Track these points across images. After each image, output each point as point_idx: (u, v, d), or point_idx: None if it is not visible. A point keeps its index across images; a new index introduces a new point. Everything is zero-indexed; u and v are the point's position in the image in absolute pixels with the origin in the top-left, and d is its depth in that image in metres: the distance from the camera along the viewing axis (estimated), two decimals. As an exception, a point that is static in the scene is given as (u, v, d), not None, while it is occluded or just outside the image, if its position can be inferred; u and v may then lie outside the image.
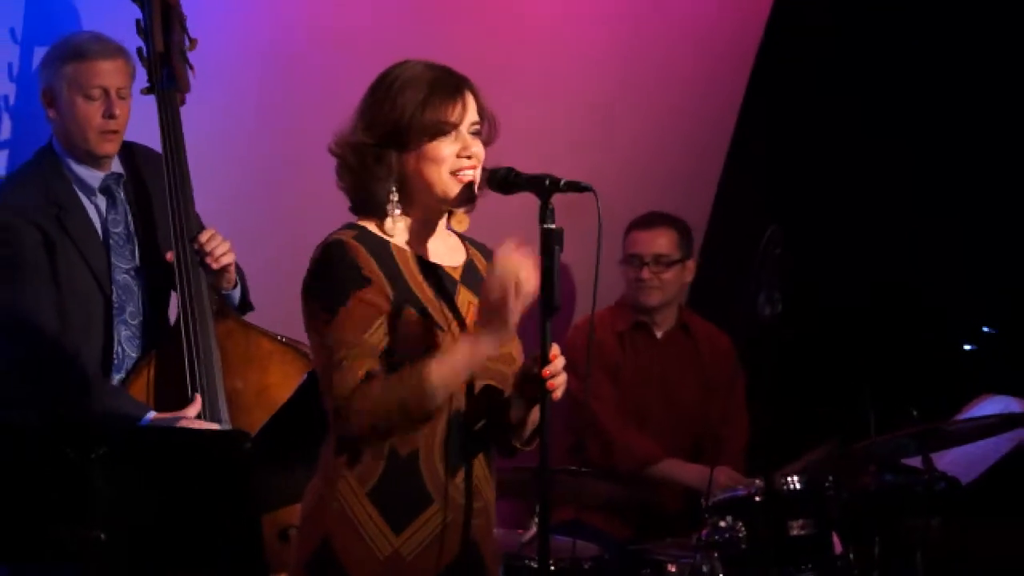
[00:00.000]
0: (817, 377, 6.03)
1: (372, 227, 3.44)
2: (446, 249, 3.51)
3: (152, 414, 4.31)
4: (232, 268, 4.50)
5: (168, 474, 3.58)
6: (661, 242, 5.68)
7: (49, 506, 3.50)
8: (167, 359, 4.43)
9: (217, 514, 3.56)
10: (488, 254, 3.54)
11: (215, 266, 4.44)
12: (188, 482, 3.57)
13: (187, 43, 4.65)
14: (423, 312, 3.38)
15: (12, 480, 3.54)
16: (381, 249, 3.40)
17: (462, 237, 3.56)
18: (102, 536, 3.49)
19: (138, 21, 4.61)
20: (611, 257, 5.71)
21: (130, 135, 4.60)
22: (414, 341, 3.36)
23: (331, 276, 3.36)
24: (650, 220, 5.72)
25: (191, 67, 4.65)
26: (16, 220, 4.35)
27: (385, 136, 3.39)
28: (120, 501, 3.51)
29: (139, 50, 4.60)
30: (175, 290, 4.51)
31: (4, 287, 4.34)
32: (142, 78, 4.60)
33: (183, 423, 4.28)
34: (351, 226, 3.44)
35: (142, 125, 4.58)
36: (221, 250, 4.44)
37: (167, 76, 4.58)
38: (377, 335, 3.34)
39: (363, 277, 3.34)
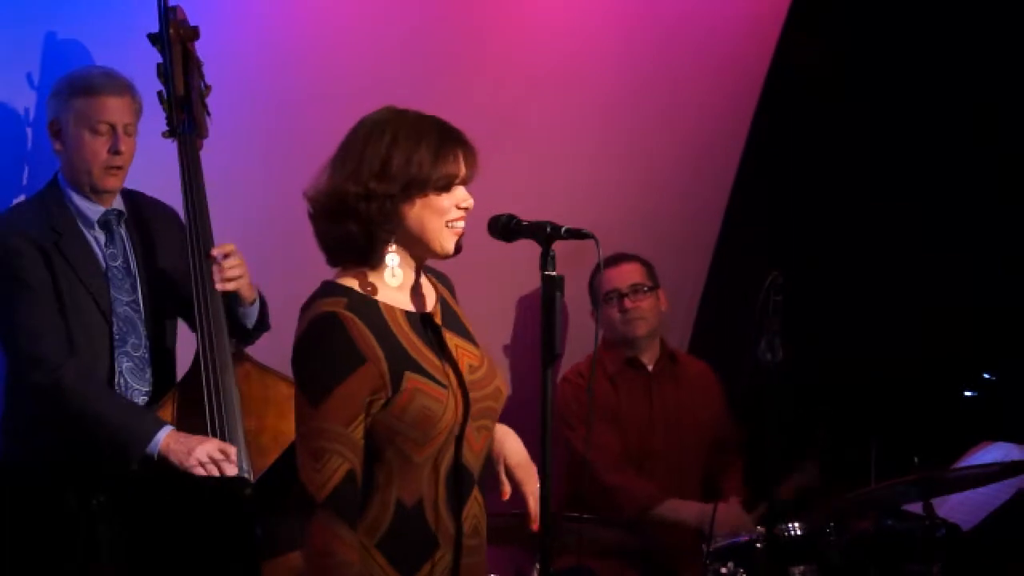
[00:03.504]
0: (818, 424, 5.86)
1: (356, 286, 3.32)
2: (425, 294, 3.42)
3: (167, 430, 4.19)
4: (245, 287, 4.37)
5: (169, 521, 3.42)
6: (632, 273, 5.70)
7: (51, 556, 3.33)
8: (187, 400, 4.32)
9: (218, 561, 3.39)
10: (442, 277, 3.50)
11: (219, 287, 4.31)
12: (189, 529, 3.42)
13: (204, 88, 4.57)
14: (424, 374, 3.28)
15: (13, 530, 3.36)
16: (372, 314, 3.29)
17: (425, 271, 3.47)
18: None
19: (159, 65, 4.52)
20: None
21: (150, 178, 4.52)
22: (421, 407, 3.26)
23: (320, 359, 3.24)
24: (616, 258, 5.71)
25: (208, 113, 4.56)
26: (17, 240, 4.28)
27: (402, 187, 3.28)
28: (122, 549, 3.36)
29: (159, 94, 4.52)
30: (189, 325, 4.41)
31: (11, 306, 4.25)
32: (161, 121, 4.51)
33: (198, 451, 4.15)
34: (335, 290, 3.30)
35: (161, 168, 4.50)
36: (232, 272, 4.32)
37: (188, 120, 4.49)
38: (362, 426, 3.23)
39: (357, 357, 3.23)
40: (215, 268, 4.32)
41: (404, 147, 3.28)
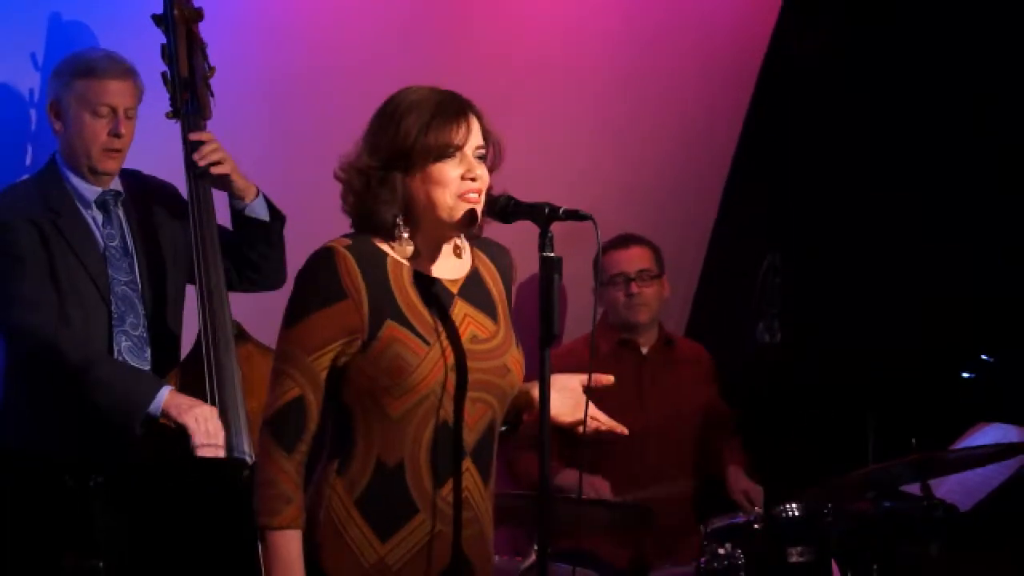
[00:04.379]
0: (817, 405, 5.88)
1: (373, 239, 3.31)
2: (450, 265, 3.38)
3: (168, 389, 4.16)
4: (235, 174, 4.38)
5: (168, 502, 3.37)
6: (642, 258, 5.62)
7: (48, 536, 3.29)
8: (189, 380, 4.28)
9: (217, 542, 3.34)
10: (498, 251, 3.46)
11: (214, 172, 4.34)
12: (188, 510, 3.36)
13: (207, 70, 4.53)
14: (407, 325, 3.26)
15: (11, 511, 3.31)
16: (375, 259, 3.29)
17: (472, 243, 3.44)
18: (101, 565, 3.35)
19: (163, 46, 4.49)
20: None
21: (153, 159, 4.49)
22: (394, 356, 3.24)
23: (305, 285, 3.26)
24: (626, 240, 5.64)
25: (212, 94, 4.52)
26: (13, 218, 4.25)
27: (390, 159, 3.27)
28: (119, 529, 3.32)
29: (163, 75, 4.49)
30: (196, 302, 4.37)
31: (8, 280, 4.22)
32: (165, 102, 4.47)
33: (197, 410, 4.13)
34: (349, 235, 3.32)
35: (165, 149, 4.46)
36: (213, 156, 4.34)
37: (191, 101, 4.46)
38: (326, 358, 3.24)
39: (338, 291, 3.23)
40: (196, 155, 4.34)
41: (396, 119, 3.26)
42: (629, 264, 5.58)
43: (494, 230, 3.41)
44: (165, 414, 4.12)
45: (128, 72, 4.34)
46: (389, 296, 3.26)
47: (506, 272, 3.45)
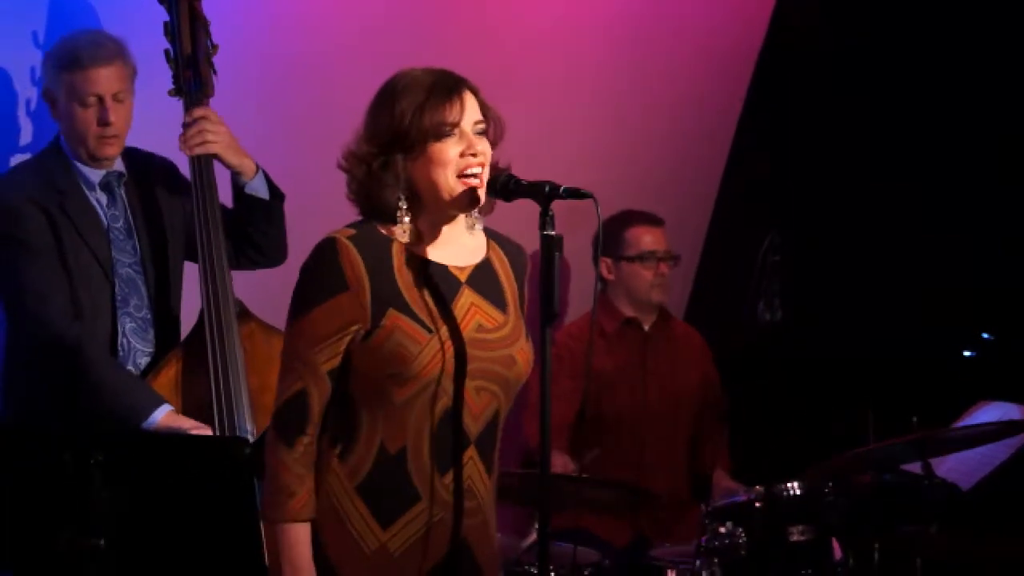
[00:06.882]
0: (817, 384, 5.84)
1: (379, 226, 3.28)
2: (461, 250, 3.34)
3: (167, 408, 4.10)
4: (227, 155, 4.32)
5: (167, 480, 3.35)
6: (665, 239, 5.56)
7: (48, 514, 3.28)
8: (194, 357, 4.25)
9: (218, 521, 3.29)
10: (514, 249, 3.42)
11: (187, 152, 4.29)
12: (187, 488, 3.34)
13: (210, 47, 4.48)
14: (410, 313, 3.23)
15: (10, 487, 3.27)
16: (378, 247, 3.25)
17: (490, 234, 3.40)
18: (101, 543, 3.26)
19: (166, 23, 4.44)
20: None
21: (156, 137, 4.44)
22: (396, 344, 3.21)
23: (308, 279, 3.24)
24: (653, 218, 5.57)
25: (215, 71, 4.47)
26: (21, 202, 4.20)
27: (389, 144, 3.24)
28: (120, 508, 3.28)
29: (166, 52, 4.44)
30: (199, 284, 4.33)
31: (16, 267, 4.17)
32: (168, 79, 4.42)
33: (197, 431, 4.09)
34: (355, 223, 3.29)
35: (167, 126, 4.41)
36: (197, 138, 4.28)
37: (194, 79, 4.41)
38: (329, 351, 3.21)
39: (340, 283, 3.20)
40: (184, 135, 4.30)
41: (391, 103, 3.23)
42: (658, 243, 5.51)
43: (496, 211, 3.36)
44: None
45: (114, 55, 4.25)
46: (392, 283, 3.22)
47: (520, 272, 3.41)
